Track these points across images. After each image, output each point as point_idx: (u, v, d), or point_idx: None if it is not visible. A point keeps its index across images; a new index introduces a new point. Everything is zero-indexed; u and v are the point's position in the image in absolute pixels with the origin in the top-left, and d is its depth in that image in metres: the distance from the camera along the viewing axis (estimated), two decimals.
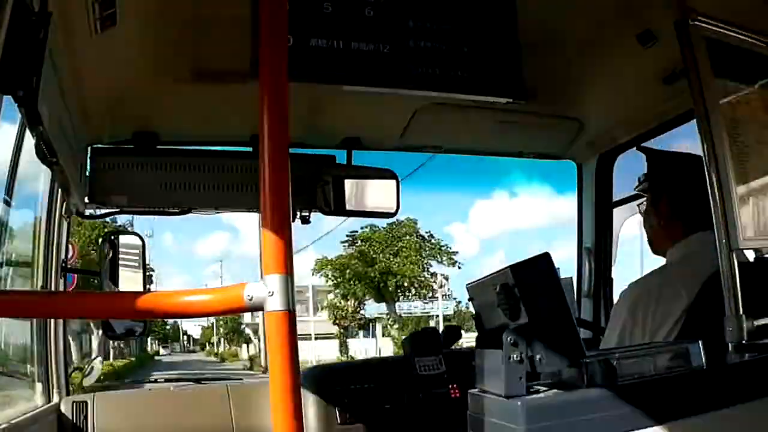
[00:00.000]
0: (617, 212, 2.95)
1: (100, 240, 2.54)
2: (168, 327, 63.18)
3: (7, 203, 1.97)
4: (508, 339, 1.34)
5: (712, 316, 1.63)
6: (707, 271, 1.73)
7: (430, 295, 34.75)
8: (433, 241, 35.68)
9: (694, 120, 1.74)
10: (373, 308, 35.23)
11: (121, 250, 2.46)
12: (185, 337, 74.64)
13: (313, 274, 34.22)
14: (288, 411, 0.96)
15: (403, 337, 4.13)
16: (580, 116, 2.62)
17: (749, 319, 1.57)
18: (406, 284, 34.10)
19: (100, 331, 2.29)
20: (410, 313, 34.07)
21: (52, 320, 2.25)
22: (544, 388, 1.38)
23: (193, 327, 72.12)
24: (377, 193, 2.62)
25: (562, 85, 2.29)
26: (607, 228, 2.95)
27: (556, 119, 2.60)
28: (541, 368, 1.37)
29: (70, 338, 2.36)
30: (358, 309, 34.71)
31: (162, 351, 59.74)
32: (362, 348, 33.43)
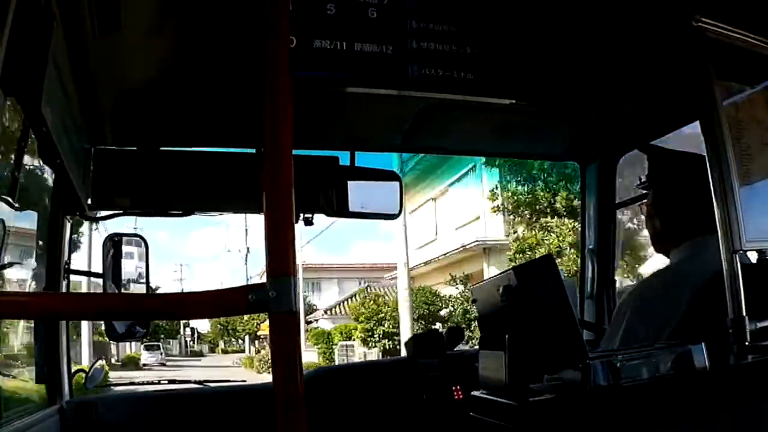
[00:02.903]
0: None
1: (103, 241, 2.53)
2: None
3: (11, 204, 1.97)
4: (511, 340, 1.34)
5: (715, 317, 1.63)
6: (711, 271, 1.72)
7: None
8: None
9: (697, 121, 1.74)
10: None
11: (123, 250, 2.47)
12: (188, 331, 51.04)
13: None
14: (291, 413, 0.96)
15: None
16: (582, 117, 2.61)
17: (752, 320, 1.57)
18: None
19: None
20: None
21: (55, 322, 2.25)
22: (547, 390, 1.38)
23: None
24: (380, 195, 2.62)
25: (565, 86, 2.29)
26: (610, 229, 2.94)
27: (558, 120, 2.59)
28: (544, 370, 1.37)
29: None
30: None
31: (145, 356, 35.74)
32: None
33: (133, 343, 34.46)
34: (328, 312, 31.13)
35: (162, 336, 43.98)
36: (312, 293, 38.58)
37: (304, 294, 35.67)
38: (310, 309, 35.34)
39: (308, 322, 32.13)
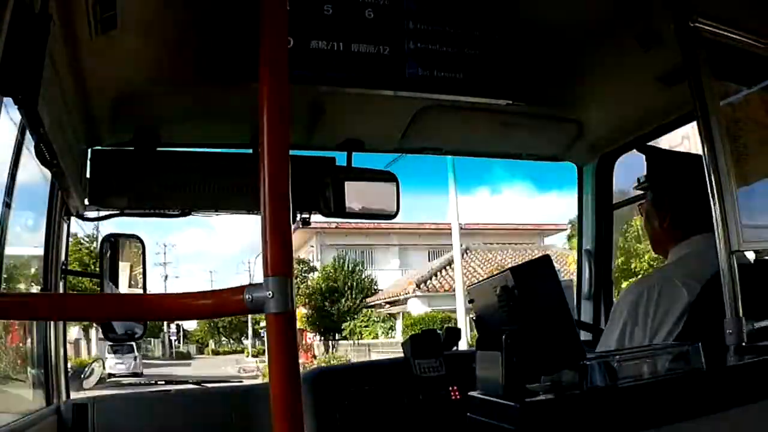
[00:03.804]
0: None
1: (100, 241, 2.53)
2: None
3: (8, 205, 1.97)
4: (508, 341, 1.34)
5: (713, 317, 1.63)
6: (708, 271, 1.73)
7: None
8: None
9: (694, 122, 1.75)
10: None
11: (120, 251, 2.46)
12: (172, 328, 41.88)
13: None
14: (288, 413, 0.95)
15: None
16: (580, 118, 2.62)
17: (749, 321, 1.57)
18: None
19: None
20: None
21: (52, 322, 2.25)
22: (544, 391, 1.38)
23: None
24: (377, 195, 2.62)
25: (562, 87, 2.29)
26: (607, 230, 2.95)
27: (556, 121, 2.60)
28: (540, 370, 1.37)
29: None
30: None
31: (112, 363, 23.95)
32: None
33: (96, 342, 24.87)
34: (421, 287, 21.84)
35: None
36: (362, 266, 28.20)
37: (358, 264, 27.26)
38: (372, 287, 26.56)
39: (372, 306, 25.29)
